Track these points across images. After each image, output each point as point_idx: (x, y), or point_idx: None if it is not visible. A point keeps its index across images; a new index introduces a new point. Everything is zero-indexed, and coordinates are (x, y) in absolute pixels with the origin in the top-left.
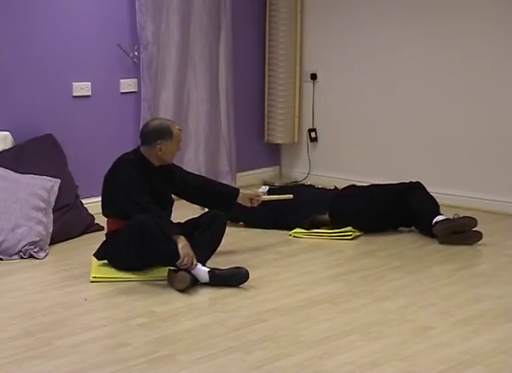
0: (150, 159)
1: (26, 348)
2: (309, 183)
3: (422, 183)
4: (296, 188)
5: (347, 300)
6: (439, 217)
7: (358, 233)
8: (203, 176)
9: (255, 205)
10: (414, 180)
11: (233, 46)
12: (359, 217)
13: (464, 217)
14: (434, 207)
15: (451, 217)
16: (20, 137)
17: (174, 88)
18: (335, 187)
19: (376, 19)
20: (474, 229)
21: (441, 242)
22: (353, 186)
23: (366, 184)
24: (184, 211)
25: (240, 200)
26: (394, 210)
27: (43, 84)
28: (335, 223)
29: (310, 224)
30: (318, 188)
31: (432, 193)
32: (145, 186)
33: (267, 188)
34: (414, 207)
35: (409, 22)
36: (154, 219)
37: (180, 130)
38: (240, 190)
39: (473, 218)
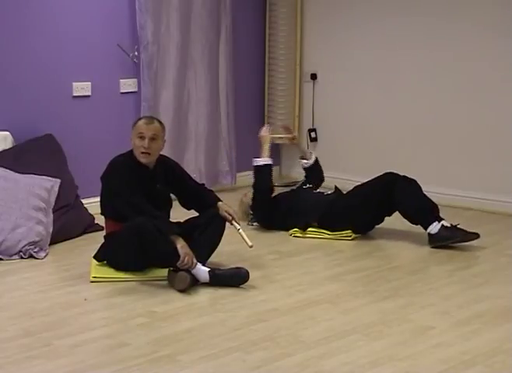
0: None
1: (26, 348)
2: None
3: (423, 182)
4: (294, 192)
5: (347, 300)
6: (432, 229)
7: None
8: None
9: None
10: (401, 177)
11: (233, 46)
12: (350, 226)
13: (464, 234)
14: (424, 211)
15: (448, 224)
16: (20, 137)
17: (174, 88)
18: (336, 188)
19: (376, 19)
20: (471, 231)
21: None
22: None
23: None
24: (184, 211)
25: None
26: (380, 207)
27: (43, 84)
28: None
29: (305, 227)
30: (315, 193)
31: (431, 193)
32: (138, 187)
33: (269, 127)
34: (406, 213)
35: (409, 22)
36: (151, 221)
37: (149, 123)
38: (219, 203)
39: (472, 234)
